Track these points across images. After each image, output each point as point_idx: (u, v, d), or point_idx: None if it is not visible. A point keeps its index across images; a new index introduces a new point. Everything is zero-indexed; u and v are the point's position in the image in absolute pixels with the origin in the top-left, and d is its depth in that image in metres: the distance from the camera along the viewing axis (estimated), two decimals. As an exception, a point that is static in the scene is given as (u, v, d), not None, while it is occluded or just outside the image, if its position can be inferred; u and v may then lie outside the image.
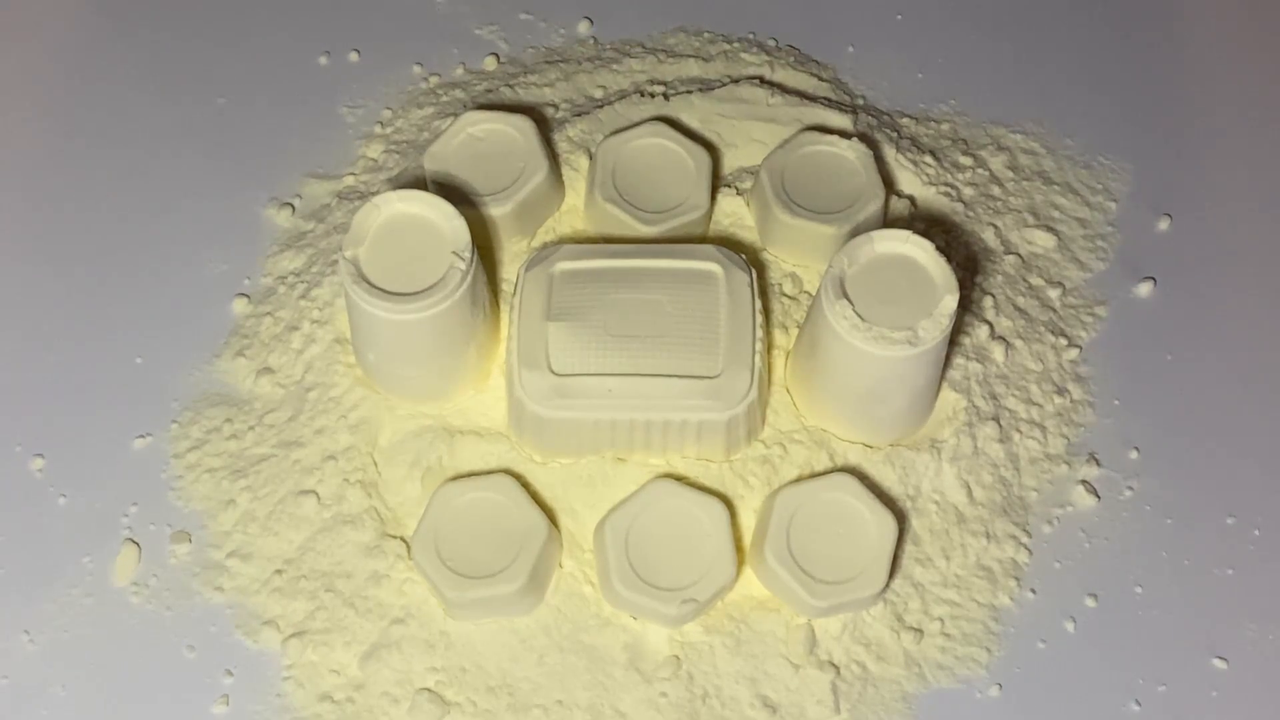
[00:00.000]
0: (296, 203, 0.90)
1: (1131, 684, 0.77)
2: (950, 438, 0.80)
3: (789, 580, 0.73)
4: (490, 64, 0.96)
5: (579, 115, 0.90)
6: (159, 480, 0.81)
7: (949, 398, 0.81)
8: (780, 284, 0.83)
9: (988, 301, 0.85)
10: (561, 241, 0.82)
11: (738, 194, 0.86)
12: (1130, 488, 0.82)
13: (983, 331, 0.84)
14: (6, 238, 0.89)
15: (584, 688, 0.74)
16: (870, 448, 0.79)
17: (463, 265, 0.74)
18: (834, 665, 0.75)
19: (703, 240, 0.83)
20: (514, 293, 0.78)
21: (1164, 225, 0.91)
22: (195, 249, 0.89)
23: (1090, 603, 0.79)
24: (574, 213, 0.86)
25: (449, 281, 0.74)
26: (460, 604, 0.73)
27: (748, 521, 0.77)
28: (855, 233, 0.79)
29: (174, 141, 0.93)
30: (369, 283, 0.74)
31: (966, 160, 0.92)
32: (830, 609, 0.74)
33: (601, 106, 0.90)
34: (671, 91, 0.91)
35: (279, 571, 0.78)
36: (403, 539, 0.77)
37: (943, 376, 0.80)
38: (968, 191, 0.90)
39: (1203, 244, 0.90)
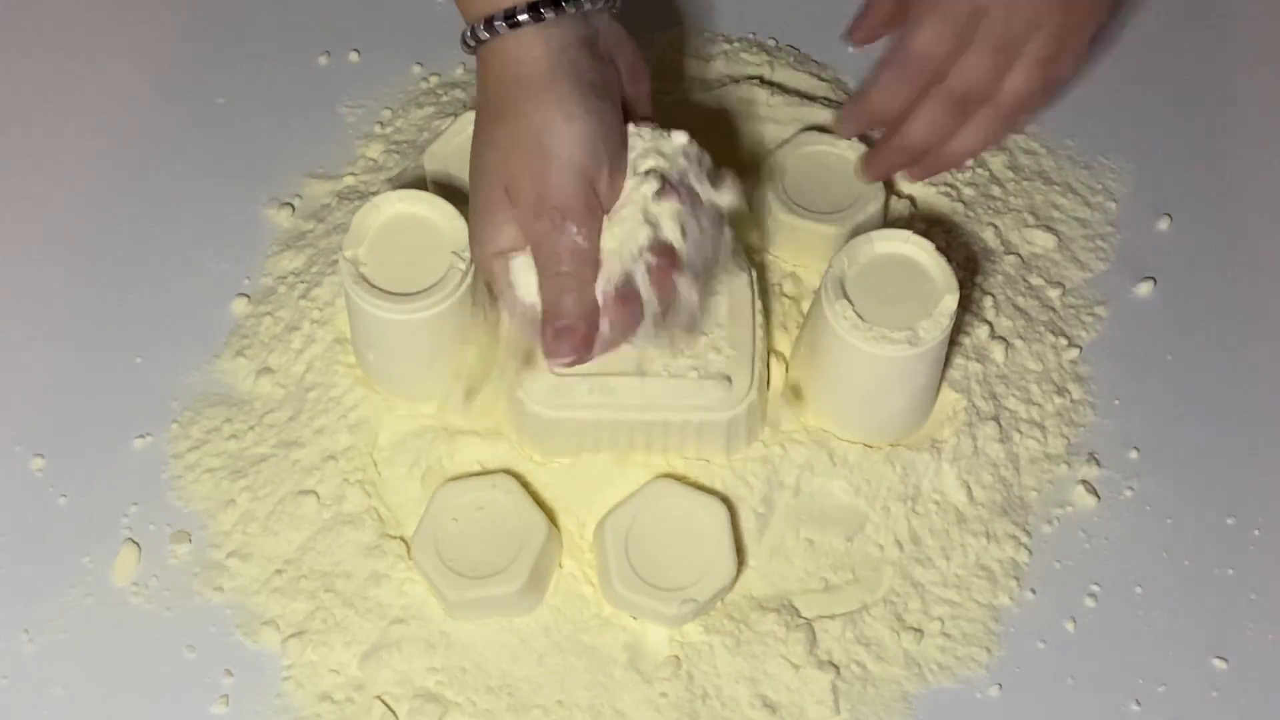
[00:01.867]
0: (296, 203, 0.90)
1: (1131, 684, 0.77)
2: (950, 438, 0.80)
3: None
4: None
5: (579, 115, 0.90)
6: (159, 480, 0.81)
7: (949, 398, 0.81)
8: (780, 284, 0.83)
9: (988, 301, 0.85)
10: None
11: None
12: (1130, 488, 0.82)
13: (983, 331, 0.84)
14: (7, 238, 0.89)
15: (584, 688, 0.74)
16: (870, 447, 0.79)
17: (463, 265, 0.74)
18: (834, 665, 0.75)
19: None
20: (514, 293, 0.78)
21: (1164, 225, 0.91)
22: (195, 249, 0.88)
23: (1090, 603, 0.78)
24: (574, 213, 0.86)
25: (449, 281, 0.74)
26: (460, 604, 0.73)
27: (748, 522, 0.77)
28: (855, 233, 0.79)
29: (174, 141, 0.93)
30: (369, 283, 0.74)
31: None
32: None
33: (601, 106, 0.90)
34: (672, 91, 0.91)
35: (279, 571, 0.78)
36: (403, 539, 0.77)
37: (943, 376, 0.80)
38: (968, 191, 0.90)
39: (1203, 244, 0.90)
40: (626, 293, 0.69)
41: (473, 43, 0.70)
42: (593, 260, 0.68)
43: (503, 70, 0.69)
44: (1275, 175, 0.93)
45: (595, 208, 0.68)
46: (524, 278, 0.70)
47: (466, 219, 0.76)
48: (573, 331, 0.68)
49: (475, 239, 0.71)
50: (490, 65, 0.70)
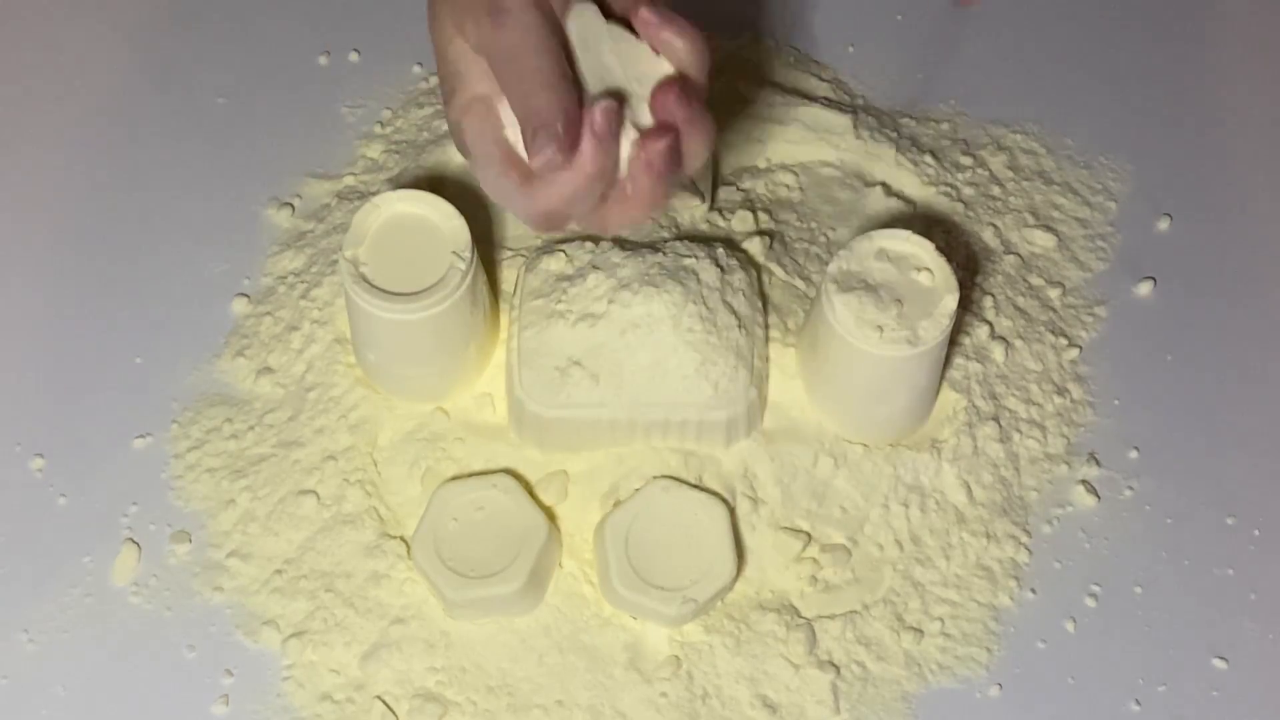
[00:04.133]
0: (296, 203, 0.90)
1: (1131, 684, 0.77)
2: (950, 438, 0.80)
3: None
4: (490, 64, 0.96)
5: (579, 115, 0.90)
6: (159, 480, 0.81)
7: (949, 398, 0.81)
8: (781, 282, 0.83)
9: (988, 301, 0.85)
10: (561, 241, 0.82)
11: (739, 193, 0.86)
12: (1130, 488, 0.82)
13: (983, 331, 0.84)
14: (7, 238, 0.89)
15: (584, 688, 0.74)
16: (870, 447, 0.79)
17: (463, 265, 0.74)
18: (834, 665, 0.75)
19: (704, 239, 0.83)
20: (514, 293, 0.78)
21: (1164, 225, 0.91)
22: (195, 249, 0.88)
23: (1090, 603, 0.79)
24: (574, 213, 0.86)
25: (449, 281, 0.74)
26: (460, 604, 0.73)
27: (748, 522, 0.77)
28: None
29: (174, 141, 0.93)
30: (369, 283, 0.74)
31: (966, 160, 0.91)
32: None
33: (601, 106, 0.90)
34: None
35: (279, 571, 0.78)
36: (403, 539, 0.77)
37: (943, 376, 0.80)
38: (968, 191, 0.90)
39: (1203, 244, 0.90)
40: (607, 107, 0.62)
41: None
42: (555, 54, 0.63)
43: None
44: (1275, 175, 0.93)
45: (544, 3, 0.63)
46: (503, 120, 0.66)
47: (467, 219, 0.76)
48: (549, 127, 0.61)
49: (443, 100, 0.67)
50: None
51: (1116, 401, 0.85)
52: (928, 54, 0.97)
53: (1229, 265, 0.89)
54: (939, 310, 0.74)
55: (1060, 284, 0.88)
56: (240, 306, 0.86)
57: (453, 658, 0.74)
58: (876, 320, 0.74)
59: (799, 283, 0.83)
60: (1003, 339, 0.84)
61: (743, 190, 0.86)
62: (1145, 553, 0.80)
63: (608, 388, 0.75)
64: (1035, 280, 0.87)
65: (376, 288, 0.74)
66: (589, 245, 0.78)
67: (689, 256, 0.77)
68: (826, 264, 0.78)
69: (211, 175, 0.91)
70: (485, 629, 0.75)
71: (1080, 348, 0.86)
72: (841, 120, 0.90)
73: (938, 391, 0.80)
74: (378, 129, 0.93)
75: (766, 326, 0.79)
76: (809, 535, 0.77)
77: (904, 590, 0.77)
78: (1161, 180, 0.92)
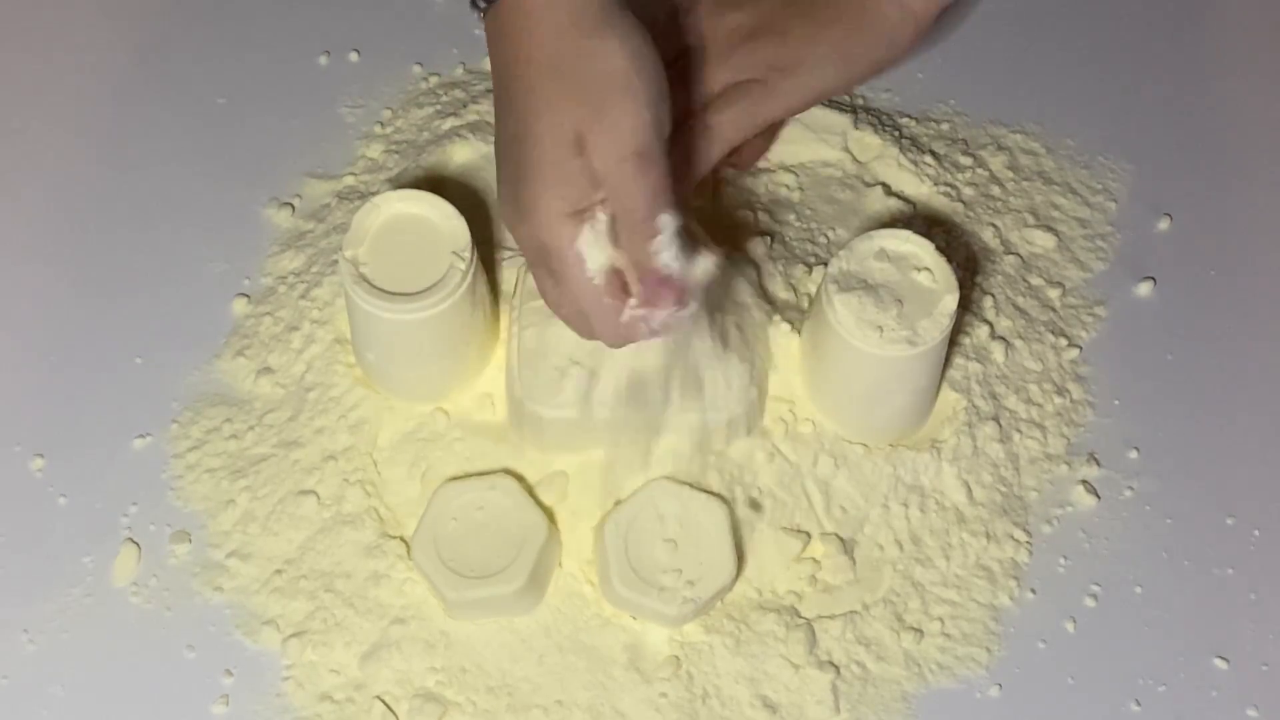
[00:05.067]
0: (296, 203, 0.90)
1: (1131, 684, 0.77)
2: (950, 438, 0.80)
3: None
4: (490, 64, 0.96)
5: (579, 115, 0.90)
6: (159, 480, 0.81)
7: (949, 398, 0.81)
8: (781, 282, 0.83)
9: (988, 301, 0.85)
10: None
11: (739, 193, 0.86)
12: (1130, 488, 0.82)
13: (983, 331, 0.84)
14: (7, 238, 0.89)
15: (584, 688, 0.74)
16: (870, 447, 0.79)
17: (463, 265, 0.74)
18: (834, 665, 0.75)
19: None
20: (514, 293, 0.78)
21: (1164, 225, 0.91)
22: (195, 249, 0.88)
23: (1090, 603, 0.79)
24: (574, 213, 0.86)
25: (449, 281, 0.74)
26: (460, 604, 0.73)
27: (747, 522, 0.77)
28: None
29: (174, 141, 0.93)
30: (369, 283, 0.74)
31: (966, 160, 0.91)
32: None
33: (601, 106, 0.90)
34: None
35: (279, 571, 0.78)
36: (403, 539, 0.77)
37: (943, 376, 0.80)
38: (968, 191, 0.90)
39: (1203, 244, 0.90)
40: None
41: None
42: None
43: (548, 14, 0.65)
44: (1275, 175, 0.93)
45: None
46: (595, 248, 0.66)
47: (467, 219, 0.76)
48: (676, 280, 0.64)
49: (533, 199, 0.65)
50: (523, 13, 0.66)
51: (1116, 401, 0.85)
52: (928, 54, 0.97)
53: (1229, 265, 0.89)
54: (939, 310, 0.74)
55: (1060, 284, 0.88)
56: (240, 306, 0.86)
57: (453, 658, 0.74)
58: (876, 320, 0.74)
59: (799, 283, 0.83)
60: (1003, 339, 0.84)
61: (743, 190, 0.86)
62: (1145, 553, 0.80)
63: (607, 388, 0.74)
64: (1035, 280, 0.87)
65: (376, 288, 0.74)
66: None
67: (689, 256, 0.77)
68: (826, 264, 0.78)
69: (211, 175, 0.91)
70: (485, 629, 0.75)
71: (1080, 348, 0.86)
72: (841, 120, 0.90)
73: (938, 391, 0.80)
74: (378, 129, 0.93)
75: (768, 327, 0.79)
76: (809, 535, 0.77)
77: (904, 590, 0.77)
78: (1161, 180, 0.92)
